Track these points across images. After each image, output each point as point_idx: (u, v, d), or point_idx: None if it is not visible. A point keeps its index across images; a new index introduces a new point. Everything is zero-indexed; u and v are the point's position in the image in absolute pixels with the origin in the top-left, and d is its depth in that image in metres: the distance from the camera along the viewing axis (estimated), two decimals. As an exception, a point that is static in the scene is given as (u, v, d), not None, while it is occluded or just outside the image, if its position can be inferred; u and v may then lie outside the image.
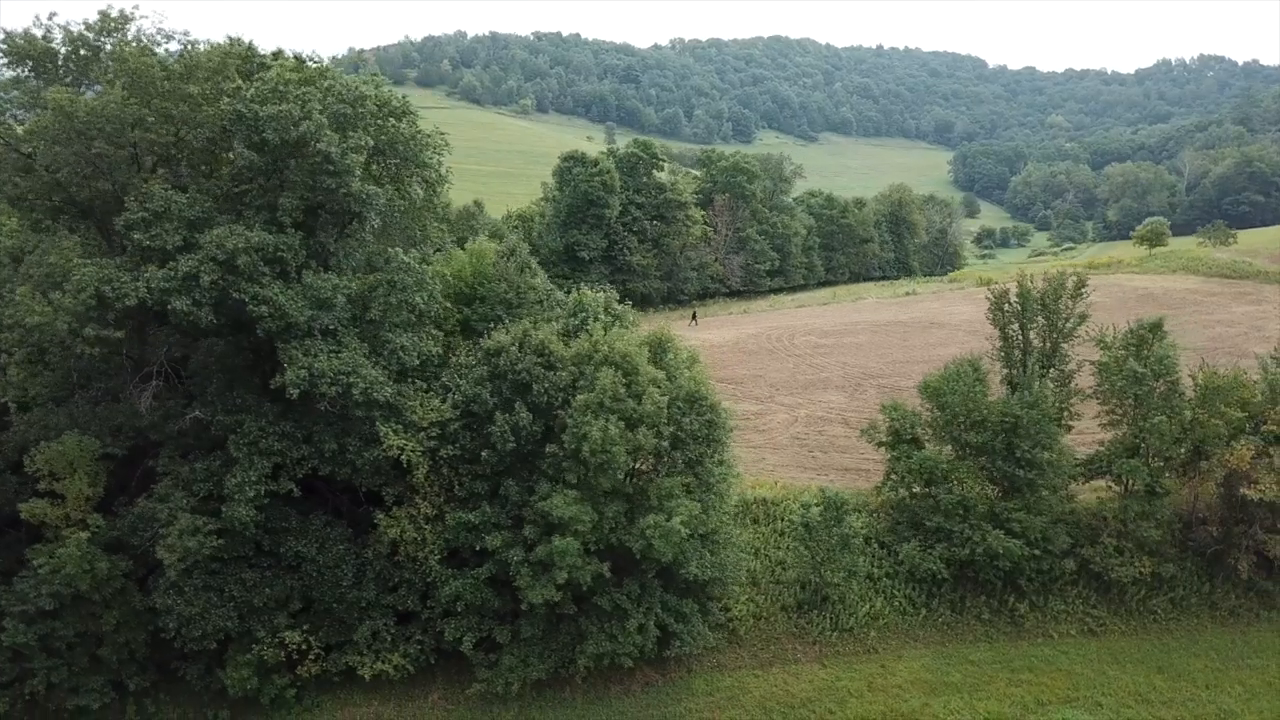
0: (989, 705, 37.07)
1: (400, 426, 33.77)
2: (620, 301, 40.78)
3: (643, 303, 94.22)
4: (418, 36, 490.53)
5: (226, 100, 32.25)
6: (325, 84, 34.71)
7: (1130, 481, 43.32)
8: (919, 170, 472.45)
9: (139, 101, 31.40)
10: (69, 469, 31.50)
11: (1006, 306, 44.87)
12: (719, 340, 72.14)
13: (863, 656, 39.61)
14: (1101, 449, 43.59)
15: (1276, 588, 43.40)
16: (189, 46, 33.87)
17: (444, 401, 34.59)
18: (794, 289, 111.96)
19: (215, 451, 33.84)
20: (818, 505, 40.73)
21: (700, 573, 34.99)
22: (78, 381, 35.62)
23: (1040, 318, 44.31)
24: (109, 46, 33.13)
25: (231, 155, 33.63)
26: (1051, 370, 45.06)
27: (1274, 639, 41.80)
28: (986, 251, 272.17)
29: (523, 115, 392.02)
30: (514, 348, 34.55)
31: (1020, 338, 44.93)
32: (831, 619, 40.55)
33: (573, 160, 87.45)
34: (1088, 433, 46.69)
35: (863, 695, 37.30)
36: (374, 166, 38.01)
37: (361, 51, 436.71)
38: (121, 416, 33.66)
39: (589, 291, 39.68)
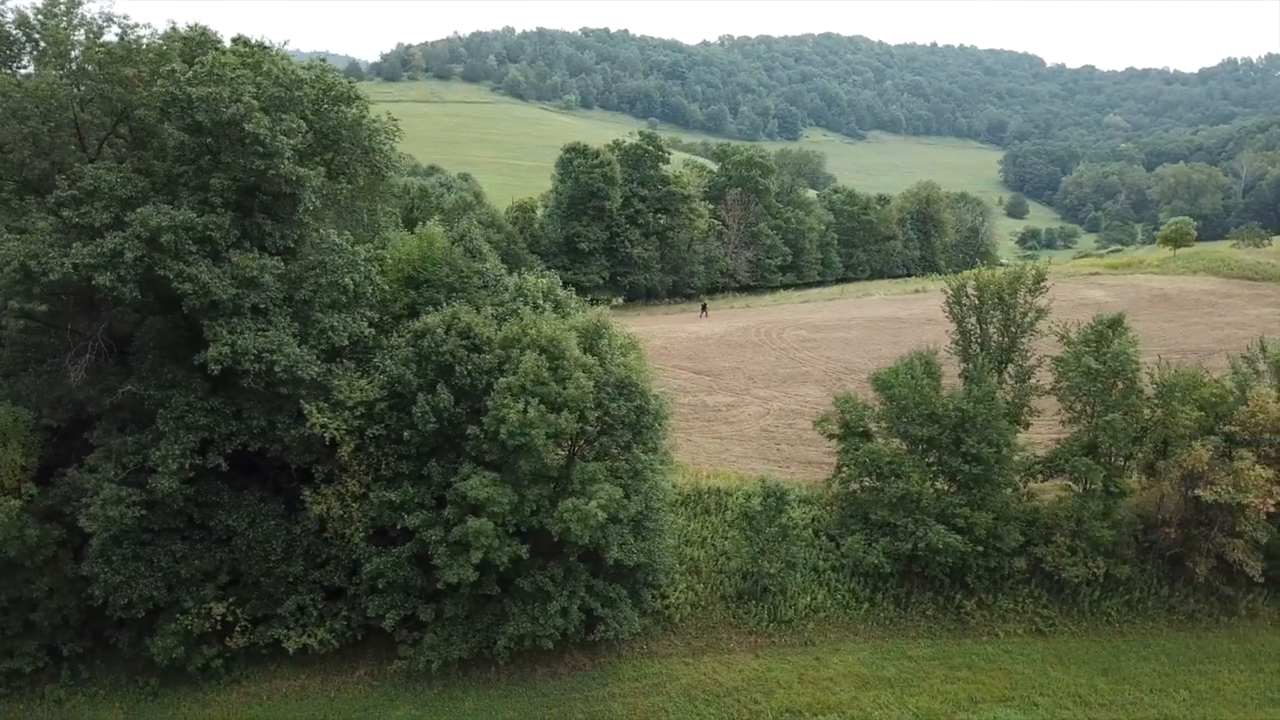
0: (920, 701, 36.66)
1: (326, 405, 34.30)
2: (563, 286, 40.86)
3: (647, 296, 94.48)
4: (466, 32, 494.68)
5: (160, 83, 32.97)
6: (265, 68, 35.35)
7: (1088, 481, 42.50)
8: (968, 169, 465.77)
9: (71, 81, 32.27)
10: (1, 439, 32.52)
11: (964, 300, 44.20)
12: (706, 333, 71.95)
13: (798, 648, 39.35)
14: (1059, 447, 42.76)
15: (1238, 593, 42.27)
16: (128, 31, 34.62)
17: (371, 382, 35.04)
18: (809, 285, 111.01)
19: (151, 426, 34.64)
20: (759, 495, 40.48)
21: (623, 557, 35.01)
22: (30, 356, 36.74)
23: (997, 311, 43.52)
24: (52, 28, 33.99)
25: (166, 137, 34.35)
26: (1010, 366, 44.28)
27: (1230, 644, 40.78)
28: (1030, 252, 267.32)
29: (566, 111, 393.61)
30: (440, 330, 34.88)
31: (978, 331, 44.22)
32: (770, 610, 40.34)
33: (574, 152, 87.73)
34: (1050, 430, 45.94)
35: (791, 687, 37.08)
36: (327, 153, 38.83)
37: (409, 47, 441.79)
38: (61, 390, 34.63)
39: (530, 277, 39.88)
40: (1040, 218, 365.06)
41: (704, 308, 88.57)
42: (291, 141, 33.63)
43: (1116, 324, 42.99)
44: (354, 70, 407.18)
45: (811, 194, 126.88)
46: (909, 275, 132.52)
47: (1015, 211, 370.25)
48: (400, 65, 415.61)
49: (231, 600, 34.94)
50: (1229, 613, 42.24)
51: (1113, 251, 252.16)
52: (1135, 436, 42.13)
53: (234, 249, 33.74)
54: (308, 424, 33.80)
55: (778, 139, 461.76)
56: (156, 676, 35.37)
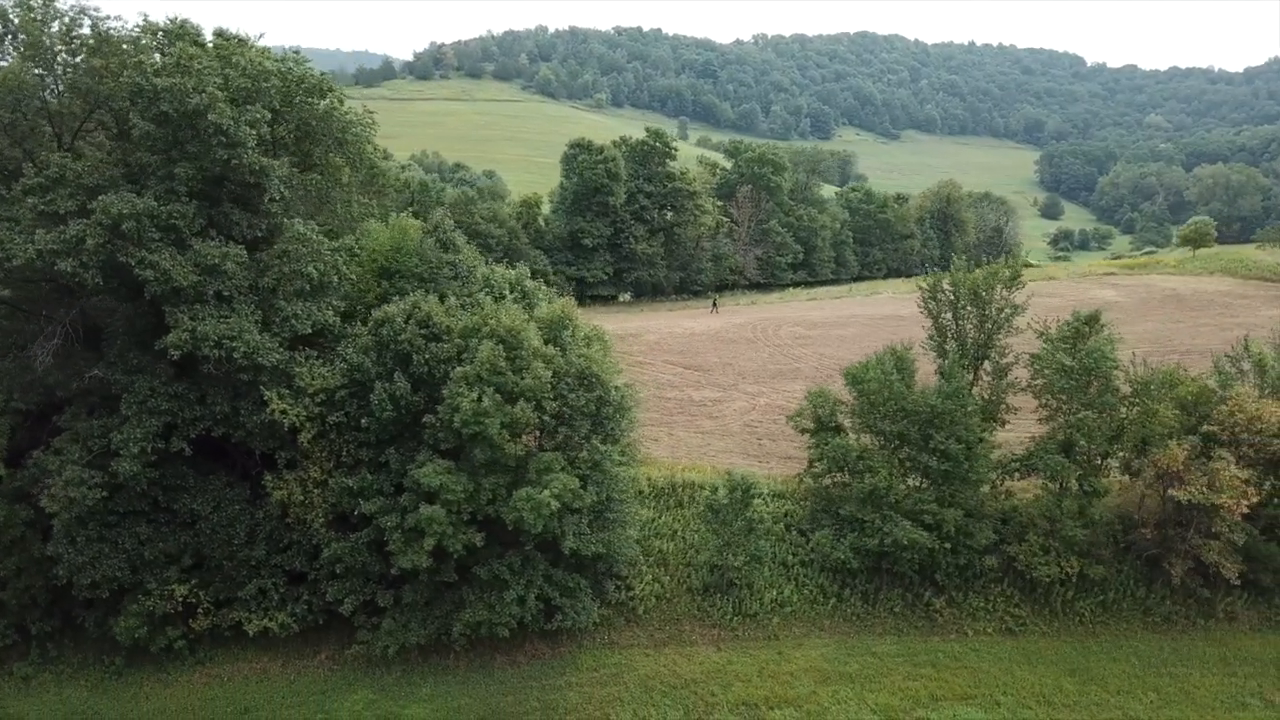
0: (879, 697, 36.47)
1: (288, 392, 34.78)
2: (530, 277, 41.09)
3: (654, 292, 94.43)
4: (499, 31, 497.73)
5: (127, 73, 33.62)
6: (234, 60, 35.94)
7: (1064, 479, 42.00)
8: (1003, 169, 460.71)
9: (43, 72, 33.02)
10: (-31, 420, 33.37)
11: (940, 295, 43.82)
12: (701, 329, 71.80)
13: (762, 642, 39.26)
14: (1033, 444, 42.28)
15: (1216, 595, 41.56)
16: (97, 24, 35.30)
17: (332, 370, 35.47)
18: (821, 283, 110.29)
19: (118, 411, 35.30)
20: (725, 488, 40.45)
21: (580, 547, 35.14)
22: (3, 341, 37.57)
23: (972, 307, 43.09)
24: (26, 20, 34.75)
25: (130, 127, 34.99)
26: (986, 362, 43.84)
27: (1206, 647, 40.13)
28: (1062, 253, 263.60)
29: (597, 109, 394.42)
30: (400, 319, 35.24)
31: (954, 327, 43.82)
32: (735, 604, 40.28)
33: (578, 148, 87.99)
34: (1032, 428, 45.38)
35: (751, 680, 37.02)
36: (301, 144, 39.39)
37: (441, 46, 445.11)
38: (32, 374, 35.39)
39: (499, 268, 40.14)
40: (1075, 219, 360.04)
41: (714, 303, 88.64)
42: (254, 132, 34.13)
43: (1093, 321, 42.42)
44: (387, 69, 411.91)
45: (832, 190, 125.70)
46: (926, 274, 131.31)
47: (1050, 212, 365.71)
48: (433, 64, 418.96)
49: (194, 583, 35.56)
50: (1207, 616, 41.57)
51: (1147, 253, 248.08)
52: (1112, 435, 41.59)
53: (199, 237, 34.34)
54: (267, 410, 34.26)
55: (810, 138, 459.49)
56: (121, 656, 36.09)
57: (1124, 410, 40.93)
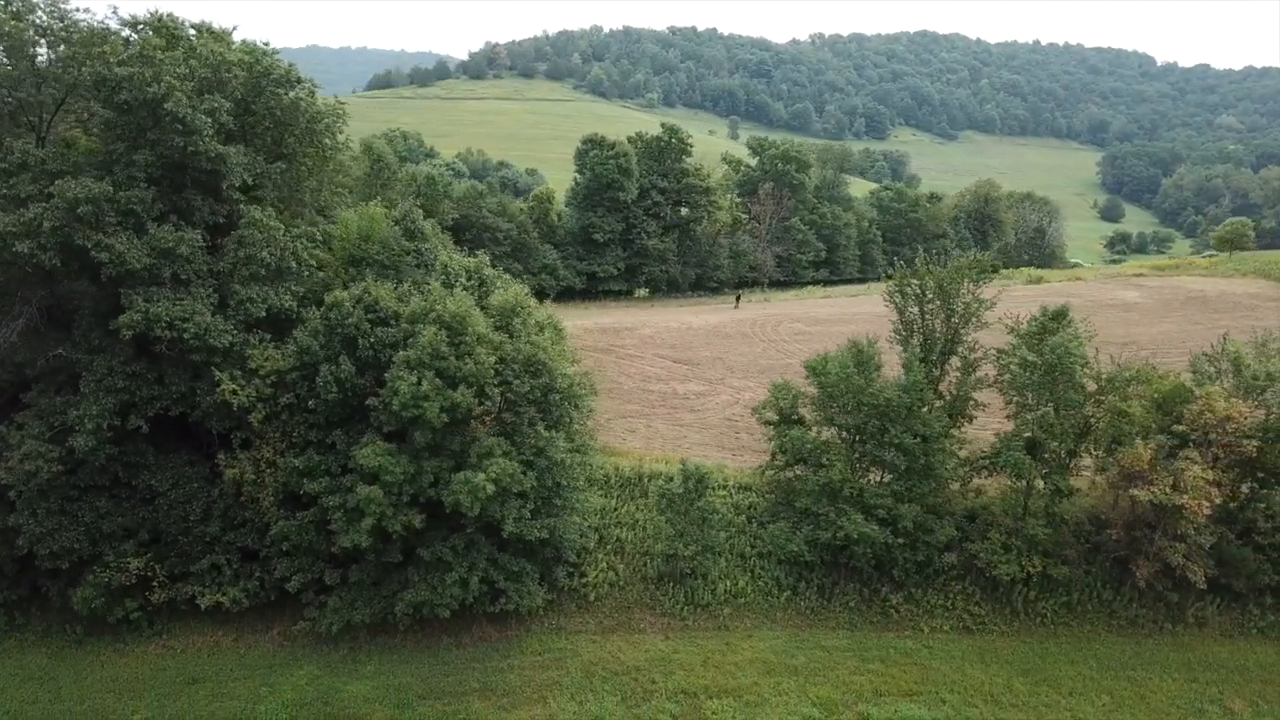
0: (822, 691, 36.27)
1: (240, 373, 35.75)
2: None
3: (669, 288, 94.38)
4: (553, 31, 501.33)
5: (89, 64, 34.89)
6: (199, 51, 37.08)
7: (1029, 477, 41.30)
8: (1063, 170, 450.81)
9: (14, 62, 34.46)
10: (-62, 395, 34.91)
11: (907, 289, 43.31)
12: (699, 324, 71.59)
13: (711, 633, 39.27)
14: (997, 441, 41.60)
15: (1186, 599, 40.52)
16: (65, 17, 36.61)
17: (284, 352, 36.35)
18: (845, 281, 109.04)
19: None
20: (680, 478, 40.51)
21: (520, 532, 35.51)
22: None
23: (938, 301, 42.50)
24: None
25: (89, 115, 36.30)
26: (953, 358, 43.23)
27: (1170, 652, 39.20)
28: (1118, 256, 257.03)
29: (648, 109, 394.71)
30: (349, 303, 36.00)
31: (920, 321, 43.28)
32: (687, 593, 40.34)
33: (590, 143, 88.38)
34: (1005, 426, 44.60)
35: (693, 669, 37.07)
36: (268, 134, 40.42)
37: (495, 46, 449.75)
38: (2, 352, 36.90)
39: (458, 256, 40.70)
40: (1136, 221, 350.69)
41: (738, 299, 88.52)
42: (210, 120, 35.16)
43: (1060, 317, 41.64)
44: (441, 69, 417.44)
45: (867, 187, 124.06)
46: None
47: (1110, 214, 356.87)
48: (486, 64, 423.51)
49: (150, 556, 36.71)
50: (1175, 620, 40.58)
51: (1208, 256, 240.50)
52: (1078, 433, 40.77)
53: (159, 222, 35.48)
54: (218, 390, 35.25)
55: (864, 138, 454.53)
56: (82, 625, 37.44)
57: (1089, 408, 40.07)
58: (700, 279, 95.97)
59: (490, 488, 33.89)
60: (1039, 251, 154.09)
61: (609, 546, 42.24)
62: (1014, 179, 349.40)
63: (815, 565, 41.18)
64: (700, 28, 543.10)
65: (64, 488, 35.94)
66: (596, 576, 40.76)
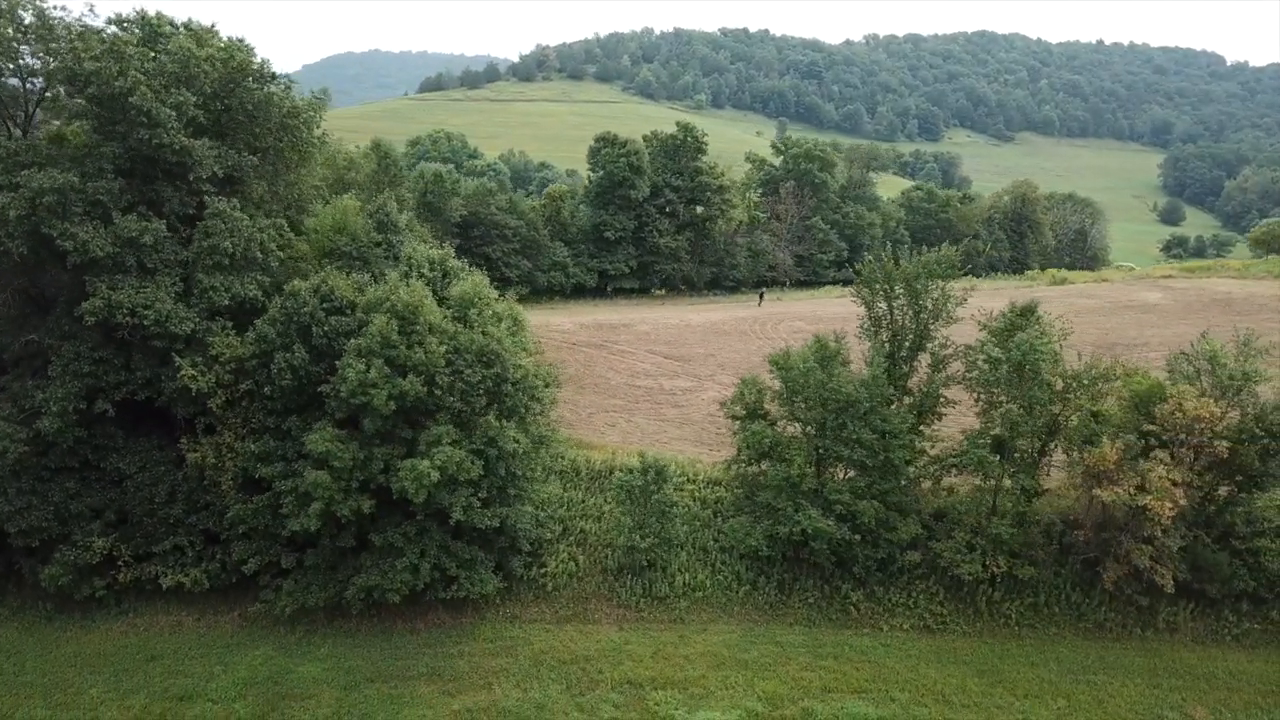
0: (769, 685, 36.06)
1: (201, 360, 36.74)
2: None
3: (685, 287, 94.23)
4: (604, 34, 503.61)
5: (60, 58, 36.17)
6: (170, 47, 38.22)
7: (1000, 476, 40.65)
8: (1122, 173, 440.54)
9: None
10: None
11: (876, 284, 42.85)
12: (698, 321, 71.44)
13: (665, 625, 39.30)
14: (963, 439, 40.99)
15: (1158, 604, 39.53)
16: (40, 14, 37.94)
17: (244, 340, 37.26)
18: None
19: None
20: (639, 471, 40.61)
21: (468, 520, 35.91)
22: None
23: (906, 296, 41.99)
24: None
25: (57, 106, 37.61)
26: (921, 354, 42.70)
27: (1136, 658, 38.26)
28: (1172, 260, 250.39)
29: (695, 110, 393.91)
30: (306, 292, 36.76)
31: (888, 317, 42.82)
32: (645, 585, 40.43)
33: (602, 141, 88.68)
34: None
35: (642, 661, 37.11)
36: (251, 127, 41.47)
37: (545, 48, 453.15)
38: (-22, 337, 38.40)
39: (422, 247, 41.30)
40: (1197, 225, 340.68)
41: (761, 296, 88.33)
42: (174, 114, 36.21)
43: (1028, 313, 40.91)
44: (491, 71, 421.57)
45: (900, 186, 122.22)
46: (995, 275, 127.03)
47: (1169, 217, 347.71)
48: (535, 66, 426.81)
49: (116, 537, 37.85)
50: (1146, 625, 39.61)
51: (1257, 259, 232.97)
52: (1047, 432, 40.04)
53: (127, 212, 36.62)
54: (178, 376, 36.26)
55: (917, 140, 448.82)
56: (52, 603, 38.74)
57: (1056, 406, 39.30)
58: (716, 278, 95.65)
59: (435, 475, 34.33)
60: (1080, 254, 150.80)
61: (572, 538, 42.49)
62: (1070, 181, 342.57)
63: (776, 561, 40.98)
64: (752, 29, 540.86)
65: (35, 468, 37.26)
66: (556, 567, 41.03)
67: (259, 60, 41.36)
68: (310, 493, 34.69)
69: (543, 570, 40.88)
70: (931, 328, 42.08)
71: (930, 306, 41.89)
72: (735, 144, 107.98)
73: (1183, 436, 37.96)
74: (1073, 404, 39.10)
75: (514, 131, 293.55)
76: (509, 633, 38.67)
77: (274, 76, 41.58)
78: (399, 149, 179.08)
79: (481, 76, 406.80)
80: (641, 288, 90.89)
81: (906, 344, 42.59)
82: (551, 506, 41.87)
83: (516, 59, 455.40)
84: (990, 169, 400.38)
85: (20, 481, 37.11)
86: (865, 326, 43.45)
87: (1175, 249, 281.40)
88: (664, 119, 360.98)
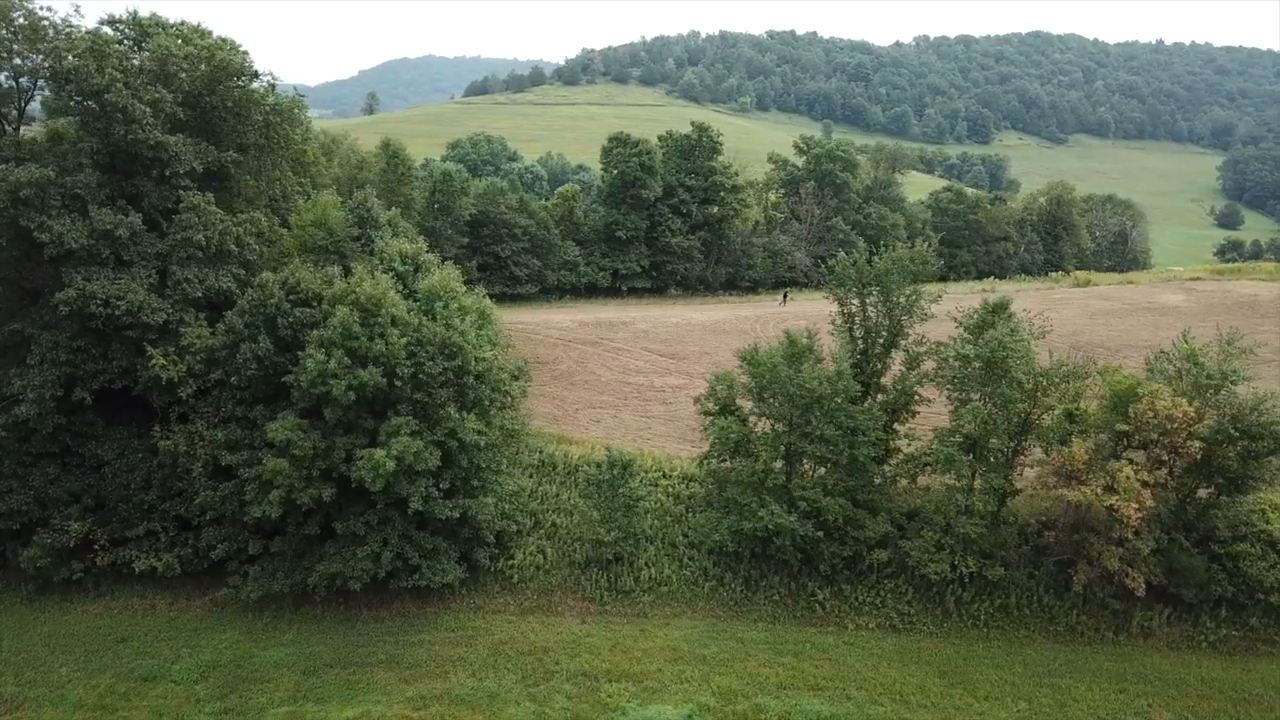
0: (724, 681, 35.97)
1: (174, 350, 37.71)
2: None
3: (700, 286, 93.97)
4: (650, 37, 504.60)
5: (41, 57, 37.42)
6: (152, 46, 39.36)
7: (972, 476, 40.12)
8: (1179, 175, 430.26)
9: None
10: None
11: (847, 281, 42.50)
12: (699, 320, 71.22)
13: (628, 619, 39.38)
14: (933, 437, 40.48)
15: (1132, 608, 38.69)
16: (30, 15, 39.24)
17: (214, 331, 38.16)
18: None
19: (31, 361, 39.10)
20: (606, 464, 40.77)
21: (426, 510, 36.34)
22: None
23: (878, 293, 41.59)
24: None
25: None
26: (895, 351, 42.27)
27: (1106, 662, 37.54)
28: (1226, 264, 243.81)
29: (740, 113, 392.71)
30: (273, 285, 37.53)
31: (860, 314, 42.45)
32: (610, 579, 40.53)
33: (615, 141, 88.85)
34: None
35: (600, 653, 37.24)
36: (233, 124, 42.50)
37: (591, 52, 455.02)
38: (-30, 328, 39.78)
39: (394, 241, 41.88)
40: (1256, 229, 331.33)
41: (785, 296, 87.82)
42: (149, 110, 37.25)
43: (1000, 309, 40.29)
44: (536, 75, 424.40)
45: (930, 188, 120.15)
46: (1020, 277, 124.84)
47: (1227, 221, 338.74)
48: (580, 69, 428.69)
49: (93, 521, 38.95)
50: (1119, 630, 38.81)
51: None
52: (1019, 430, 39.39)
53: (105, 206, 37.74)
54: (150, 365, 37.25)
55: (966, 142, 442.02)
56: (33, 585, 39.98)
57: (1024, 405, 38.62)
58: (732, 278, 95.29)
59: (392, 464, 34.82)
60: (1120, 257, 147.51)
61: (542, 531, 42.76)
62: (1124, 184, 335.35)
63: (744, 557, 40.81)
64: (799, 31, 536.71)
65: (17, 454, 38.51)
66: (524, 559, 41.31)
67: (241, 57, 42.24)
68: (271, 480, 35.37)
69: (510, 562, 41.19)
70: (905, 324, 41.63)
71: (903, 303, 41.44)
72: (780, 147, 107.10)
73: (1156, 437, 37.08)
74: (1043, 402, 38.40)
75: (556, 135, 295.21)
76: (471, 623, 39.04)
77: (256, 75, 42.53)
78: (438, 152, 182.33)
79: (526, 80, 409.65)
80: (655, 287, 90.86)
81: (880, 341, 42.18)
82: (522, 499, 42.12)
83: (548, 60, 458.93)
84: (1041, 171, 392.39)
85: (2, 465, 38.37)
86: (837, 324, 43.12)
87: (1230, 253, 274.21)
88: (708, 121, 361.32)
